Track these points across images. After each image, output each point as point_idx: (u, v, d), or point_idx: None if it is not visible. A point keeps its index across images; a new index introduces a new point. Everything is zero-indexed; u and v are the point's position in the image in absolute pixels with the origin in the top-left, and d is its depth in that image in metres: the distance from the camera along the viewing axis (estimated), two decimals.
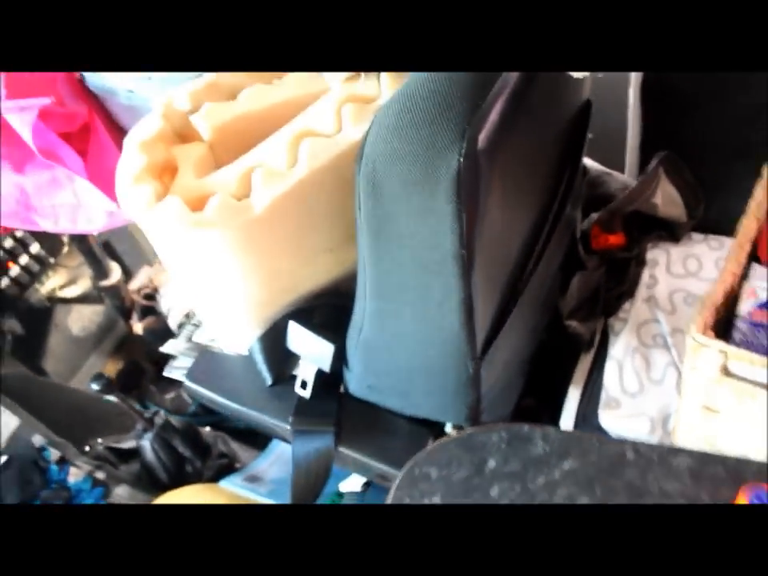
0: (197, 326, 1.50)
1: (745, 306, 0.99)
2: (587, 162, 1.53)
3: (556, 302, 1.38)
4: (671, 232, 1.46)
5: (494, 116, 0.79)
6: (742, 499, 0.63)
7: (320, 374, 1.10)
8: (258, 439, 1.69)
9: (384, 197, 0.82)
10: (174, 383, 1.55)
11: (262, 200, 0.96)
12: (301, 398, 1.11)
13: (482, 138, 0.77)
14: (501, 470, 0.74)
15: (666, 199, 1.47)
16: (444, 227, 0.79)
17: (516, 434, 0.77)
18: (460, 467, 0.75)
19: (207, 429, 1.75)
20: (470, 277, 0.82)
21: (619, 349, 1.28)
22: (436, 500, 0.73)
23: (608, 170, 1.54)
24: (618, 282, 1.41)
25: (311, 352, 1.10)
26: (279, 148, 1.00)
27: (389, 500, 0.76)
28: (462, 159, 0.75)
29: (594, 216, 1.47)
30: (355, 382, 1.10)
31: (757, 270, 1.03)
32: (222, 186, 0.98)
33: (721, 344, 0.93)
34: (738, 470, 0.67)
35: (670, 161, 1.45)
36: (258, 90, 1.10)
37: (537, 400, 1.29)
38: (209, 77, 1.12)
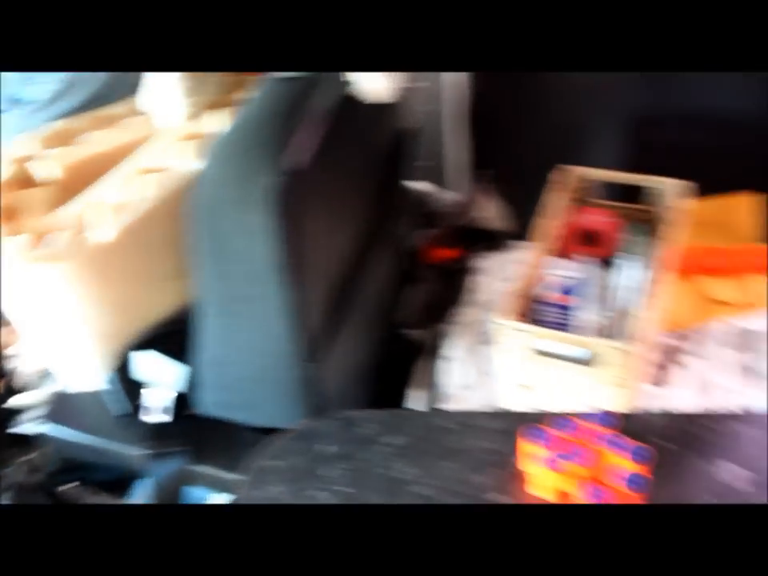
0: (46, 378, 1.51)
1: (549, 293, 1.12)
2: (419, 184, 1.66)
3: (394, 313, 1.49)
4: (498, 241, 1.61)
5: (306, 141, 0.90)
6: (521, 440, 0.73)
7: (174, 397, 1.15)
8: (121, 487, 1.69)
9: (214, 218, 0.91)
10: (30, 445, 1.54)
11: (105, 232, 1.02)
12: (155, 423, 1.16)
13: (295, 160, 0.88)
14: (334, 453, 0.81)
15: (492, 212, 1.62)
16: (266, 241, 0.88)
17: (346, 419, 0.85)
18: (298, 456, 0.82)
19: (69, 485, 1.72)
20: (296, 286, 0.92)
21: (454, 350, 1.40)
22: (280, 489, 0.80)
23: (437, 190, 1.67)
24: (452, 291, 1.54)
25: (165, 377, 1.15)
26: (121, 183, 1.07)
27: (237, 498, 0.82)
28: (276, 180, 0.85)
29: (427, 232, 1.60)
30: (205, 401, 1.15)
31: (559, 261, 1.17)
32: (66, 223, 1.04)
33: (531, 326, 1.06)
34: (537, 421, 0.77)
35: (493, 178, 1.62)
36: (100, 135, 1.19)
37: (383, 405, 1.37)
38: (55, 125, 1.20)
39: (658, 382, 1.30)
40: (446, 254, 1.59)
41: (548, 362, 1.06)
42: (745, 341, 1.34)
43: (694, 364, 1.31)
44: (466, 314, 1.47)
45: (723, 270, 1.50)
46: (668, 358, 1.35)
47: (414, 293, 1.54)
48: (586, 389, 1.05)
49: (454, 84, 1.59)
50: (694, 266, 1.51)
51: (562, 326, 1.08)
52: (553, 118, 1.54)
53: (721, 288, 1.48)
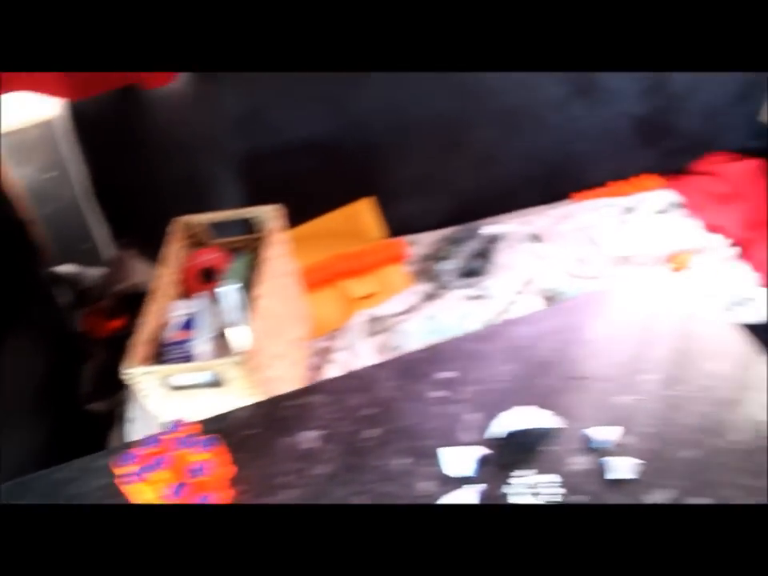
0: None
1: (170, 333, 1.23)
2: (64, 267, 1.70)
3: (75, 391, 1.52)
4: None
5: None
6: (114, 468, 0.82)
7: None
8: None
9: None
10: None
11: None
12: None
13: None
14: None
15: (146, 275, 1.70)
16: None
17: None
18: None
19: None
20: None
21: (135, 410, 1.46)
22: None
23: (84, 268, 1.71)
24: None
25: None
26: None
27: None
28: None
29: (88, 309, 1.65)
30: None
31: (177, 303, 1.27)
32: None
33: (157, 367, 1.15)
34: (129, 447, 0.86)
35: (134, 243, 1.70)
36: None
37: None
38: None
39: (314, 381, 1.45)
40: (112, 324, 1.64)
41: (186, 394, 1.16)
42: (374, 326, 1.54)
43: (341, 358, 1.48)
44: None
45: (359, 270, 1.70)
46: (322, 359, 1.51)
47: (90, 368, 1.59)
48: (226, 406, 1.15)
49: (79, 167, 1.67)
50: (333, 274, 1.69)
51: (188, 359, 1.18)
52: (168, 175, 1.67)
53: (360, 286, 1.67)
